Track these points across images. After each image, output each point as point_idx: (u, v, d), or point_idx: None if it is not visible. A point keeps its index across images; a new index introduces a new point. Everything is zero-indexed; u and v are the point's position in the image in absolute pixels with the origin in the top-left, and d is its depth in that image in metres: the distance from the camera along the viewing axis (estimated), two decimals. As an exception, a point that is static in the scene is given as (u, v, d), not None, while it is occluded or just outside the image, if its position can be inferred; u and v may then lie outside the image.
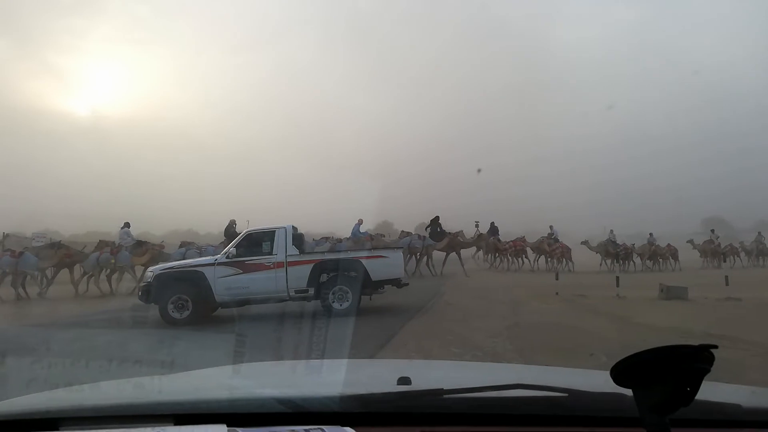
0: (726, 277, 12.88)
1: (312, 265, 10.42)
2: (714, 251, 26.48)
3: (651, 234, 26.04)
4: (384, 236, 21.11)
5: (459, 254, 20.61)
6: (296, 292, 10.42)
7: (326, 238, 21.03)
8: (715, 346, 0.93)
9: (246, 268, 10.47)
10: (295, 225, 11.10)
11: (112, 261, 16.23)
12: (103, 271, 16.49)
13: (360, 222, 20.32)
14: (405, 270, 18.11)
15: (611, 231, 25.12)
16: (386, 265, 10.46)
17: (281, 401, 1.33)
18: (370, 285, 10.39)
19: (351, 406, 1.29)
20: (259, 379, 1.96)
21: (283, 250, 10.48)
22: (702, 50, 79.57)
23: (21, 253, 15.84)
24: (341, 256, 11.09)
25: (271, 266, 10.42)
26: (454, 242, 20.37)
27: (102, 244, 17.02)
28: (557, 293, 12.89)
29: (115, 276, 16.61)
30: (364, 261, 10.42)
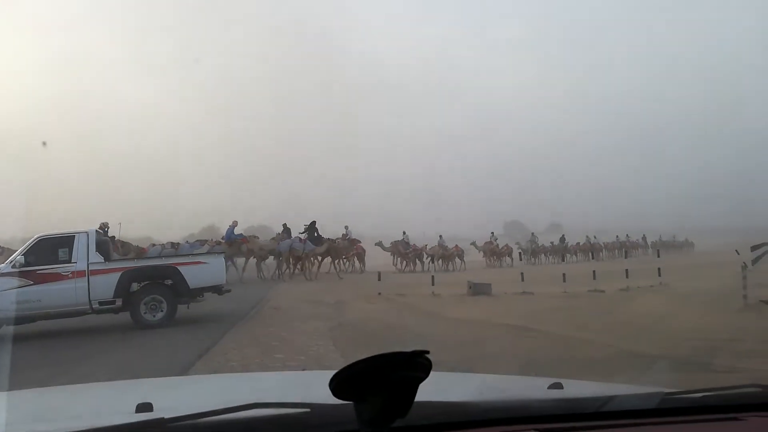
0: (521, 273, 14.52)
1: (119, 273, 9.44)
2: (493, 251, 30.19)
3: (441, 236, 27.64)
4: (258, 238, 20.46)
5: (334, 259, 20.86)
6: (101, 303, 9.37)
7: (203, 241, 20.10)
8: (427, 351, 0.91)
9: (38, 279, 9.11)
10: (99, 228, 10.02)
11: None
12: None
13: (234, 224, 19.69)
14: (260, 275, 18.78)
15: (404, 232, 26.23)
16: (206, 271, 9.88)
17: None
18: (187, 293, 9.74)
19: None
20: None
21: (84, 257, 9.34)
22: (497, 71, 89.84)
23: None
24: (154, 262, 10.21)
25: (69, 276, 9.23)
26: (332, 247, 20.48)
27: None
28: (380, 293, 13.43)
29: None
30: (180, 268, 9.72)
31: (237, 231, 19.56)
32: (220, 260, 10.22)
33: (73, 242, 9.38)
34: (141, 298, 9.52)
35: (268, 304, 12.22)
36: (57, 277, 9.21)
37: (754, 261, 17.92)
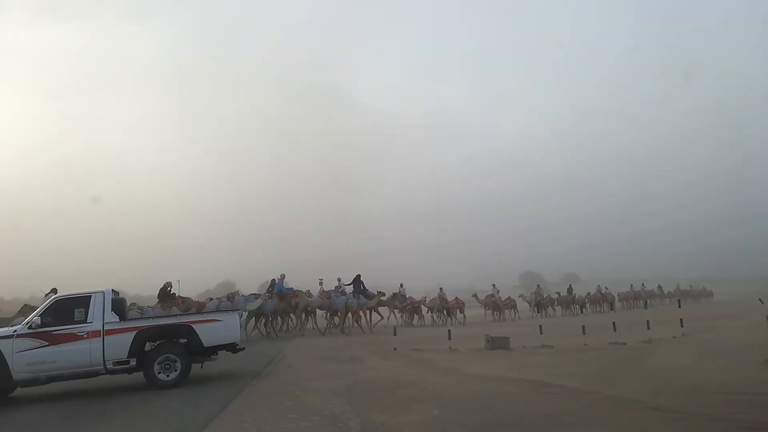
0: (540, 326, 14.21)
1: (134, 332, 9.40)
2: (496, 304, 29.39)
3: (441, 288, 27.02)
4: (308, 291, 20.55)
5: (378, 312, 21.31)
6: (115, 363, 9.29)
7: (257, 295, 19.83)
8: None
9: (54, 340, 9.10)
10: (115, 289, 10.05)
11: None
12: None
13: (282, 277, 19.72)
14: (272, 330, 18.96)
15: (401, 285, 25.22)
16: (220, 329, 9.78)
17: None
18: (201, 352, 9.65)
19: None
20: None
21: (99, 317, 9.34)
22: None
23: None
24: (168, 321, 10.15)
25: (85, 336, 9.21)
26: (381, 301, 21.04)
27: (26, 309, 16.37)
28: (395, 348, 13.18)
29: None
30: (195, 326, 9.65)
31: (287, 285, 19.79)
32: (234, 318, 10.14)
33: (89, 302, 9.42)
34: (155, 357, 9.43)
35: (283, 361, 12.04)
36: (73, 338, 9.19)
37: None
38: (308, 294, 20.28)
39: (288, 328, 20.50)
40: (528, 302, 31.84)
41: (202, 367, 9.95)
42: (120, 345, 9.29)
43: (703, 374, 9.21)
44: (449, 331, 13.98)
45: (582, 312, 29.92)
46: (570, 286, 33.96)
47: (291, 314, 20.42)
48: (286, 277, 20.01)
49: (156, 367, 9.38)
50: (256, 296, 19.56)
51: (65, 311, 9.41)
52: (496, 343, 13.31)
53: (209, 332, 9.66)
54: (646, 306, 29.47)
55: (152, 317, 11.14)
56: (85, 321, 9.33)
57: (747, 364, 9.53)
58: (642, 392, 7.84)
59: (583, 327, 14.01)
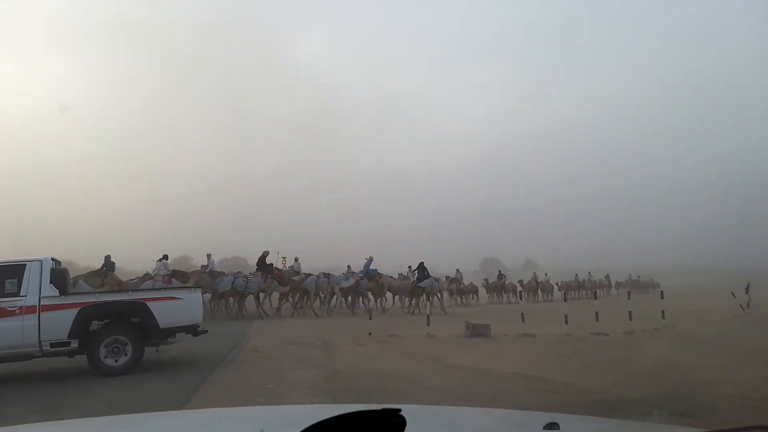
0: (522, 314, 13.53)
1: (77, 309, 8.02)
2: (458, 289, 29.16)
3: (410, 267, 25.72)
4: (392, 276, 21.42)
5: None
6: (53, 345, 7.92)
7: (351, 272, 20.20)
8: (399, 409, 0.97)
9: (-24, 315, 7.65)
10: (55, 257, 8.60)
11: None
12: None
13: (370, 259, 20.46)
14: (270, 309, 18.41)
15: (348, 266, 23.60)
16: (180, 308, 8.50)
17: None
18: (157, 334, 8.36)
19: None
20: None
21: (35, 290, 7.91)
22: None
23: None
24: (119, 297, 8.79)
25: (16, 311, 7.77)
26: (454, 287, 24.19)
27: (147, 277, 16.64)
28: (370, 334, 12.20)
29: None
30: (150, 304, 8.33)
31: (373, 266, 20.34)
32: (196, 296, 8.85)
33: (23, 272, 7.96)
34: (101, 339, 8.10)
35: (248, 344, 10.84)
36: (2, 313, 7.76)
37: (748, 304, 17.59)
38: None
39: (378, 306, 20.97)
40: (488, 288, 31.42)
41: (157, 351, 8.66)
42: (59, 323, 7.91)
43: (707, 371, 8.65)
44: (428, 316, 13.06)
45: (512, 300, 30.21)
46: (500, 271, 33.14)
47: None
48: (373, 259, 20.69)
49: (102, 351, 8.07)
50: (352, 273, 20.03)
51: (-6, 281, 7.95)
52: (477, 331, 12.52)
53: (167, 312, 8.37)
54: (595, 296, 29.47)
55: (99, 292, 9.68)
56: (17, 294, 7.89)
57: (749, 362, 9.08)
58: (655, 393, 7.18)
59: (566, 316, 13.39)
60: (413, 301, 20.63)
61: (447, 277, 25.81)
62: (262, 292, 18.06)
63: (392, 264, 24.59)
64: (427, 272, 21.49)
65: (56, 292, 8.04)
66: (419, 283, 20.79)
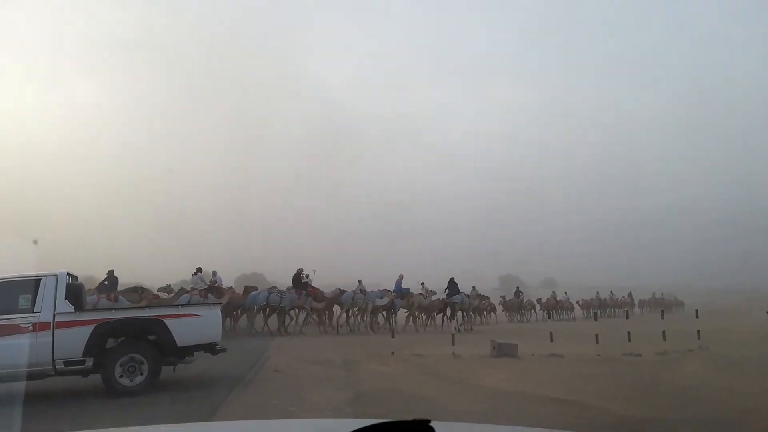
0: (551, 333, 13.02)
1: (93, 326, 7.74)
2: (516, 306, 28.64)
3: (422, 284, 24.68)
4: (425, 294, 21.01)
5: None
6: (67, 364, 7.63)
7: (386, 290, 19.80)
8: (429, 420, 0.99)
9: (-9, 331, 7.40)
10: (71, 272, 8.35)
11: None
12: None
13: (401, 277, 20.40)
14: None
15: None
16: (198, 326, 8.18)
17: None
18: (174, 352, 8.04)
19: None
20: None
21: (50, 306, 7.64)
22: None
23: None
24: (135, 314, 8.50)
25: (30, 328, 7.50)
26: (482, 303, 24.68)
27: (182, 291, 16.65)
28: (393, 353, 11.76)
29: None
30: (167, 321, 8.03)
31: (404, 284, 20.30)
32: (215, 313, 8.52)
33: (38, 287, 7.71)
34: (117, 357, 7.80)
35: (268, 363, 10.46)
36: (14, 330, 7.49)
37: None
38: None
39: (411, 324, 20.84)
40: (506, 307, 30.64)
41: (174, 370, 8.33)
42: (74, 341, 7.63)
43: (746, 397, 8.09)
44: (453, 335, 12.58)
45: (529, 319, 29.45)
46: (518, 288, 32.17)
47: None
48: (403, 277, 20.69)
49: (118, 369, 7.75)
50: (387, 291, 19.79)
51: (7, 298, 7.71)
52: (503, 350, 12.02)
53: (185, 329, 8.06)
54: (627, 315, 28.58)
55: (115, 308, 9.41)
56: (31, 310, 7.63)
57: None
58: (692, 418, 6.72)
59: (597, 335, 12.83)
60: (445, 318, 20.47)
61: (517, 293, 26.97)
62: (297, 308, 17.85)
63: (408, 282, 24.05)
64: (458, 288, 21.50)
65: (71, 309, 7.77)
66: (450, 299, 20.73)
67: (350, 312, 18.73)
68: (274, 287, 18.39)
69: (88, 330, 7.68)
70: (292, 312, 17.82)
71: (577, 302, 33.91)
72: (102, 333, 7.79)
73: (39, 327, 7.51)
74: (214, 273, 18.17)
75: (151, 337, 8.10)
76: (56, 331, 7.55)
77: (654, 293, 43.49)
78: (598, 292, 36.11)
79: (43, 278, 7.78)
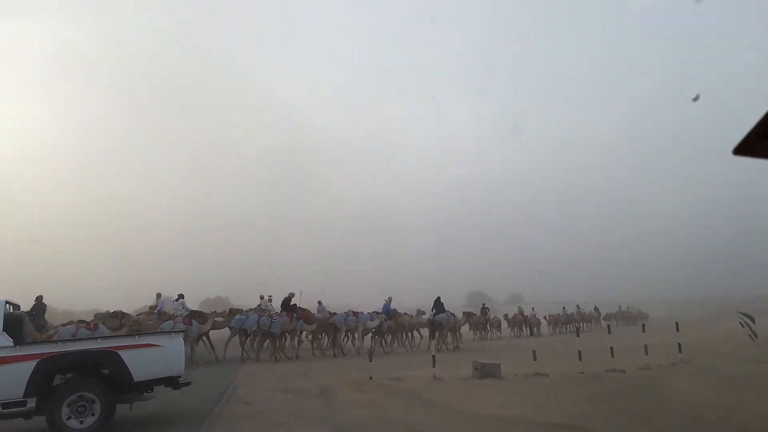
0: (533, 351, 12.53)
1: (35, 362, 6.79)
2: (482, 323, 28.11)
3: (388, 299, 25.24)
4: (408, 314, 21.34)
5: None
6: (5, 406, 6.65)
7: (377, 313, 19.73)
8: None
9: None
10: (11, 300, 7.38)
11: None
12: None
13: (389, 300, 20.50)
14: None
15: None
16: (158, 357, 7.30)
17: None
18: (130, 388, 7.14)
19: None
20: None
21: (-16, 339, 6.69)
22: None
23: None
24: (85, 346, 7.54)
25: (-40, 367, 6.51)
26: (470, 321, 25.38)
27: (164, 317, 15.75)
28: (371, 377, 11.03)
29: None
30: (122, 353, 7.14)
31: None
32: (178, 342, 7.63)
33: (-28, 318, 6.74)
34: (64, 396, 6.86)
35: (237, 394, 9.55)
36: (-58, 368, 6.49)
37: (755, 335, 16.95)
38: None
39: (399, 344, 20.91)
40: (471, 324, 30.17)
41: (131, 408, 7.41)
42: (12, 379, 6.67)
43: (741, 411, 7.73)
44: (433, 356, 11.93)
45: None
46: (484, 305, 31.62)
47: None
48: (392, 300, 20.76)
49: (65, 410, 6.82)
50: (377, 314, 19.73)
51: (-65, 330, 6.70)
52: (486, 371, 11.45)
53: (143, 361, 7.19)
54: (609, 330, 28.40)
55: (61, 341, 8.38)
56: (-37, 345, 6.64)
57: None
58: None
59: (579, 352, 12.41)
60: (432, 337, 20.09)
61: (464, 313, 25.61)
62: (288, 332, 17.26)
63: (378, 302, 23.40)
64: (443, 307, 21.29)
65: (10, 342, 6.81)
66: (435, 317, 20.55)
67: (344, 334, 18.57)
68: (266, 310, 17.58)
69: (29, 366, 6.74)
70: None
71: (545, 317, 33.74)
72: (46, 369, 6.85)
73: (-29, 364, 6.53)
74: (158, 295, 17.30)
75: (104, 372, 7.18)
76: (-8, 368, 6.58)
77: (619, 306, 44.01)
78: (564, 307, 36.09)
79: (-22, 307, 6.81)
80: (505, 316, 31.56)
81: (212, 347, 15.94)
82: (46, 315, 16.46)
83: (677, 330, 13.67)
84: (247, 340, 16.30)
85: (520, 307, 33.45)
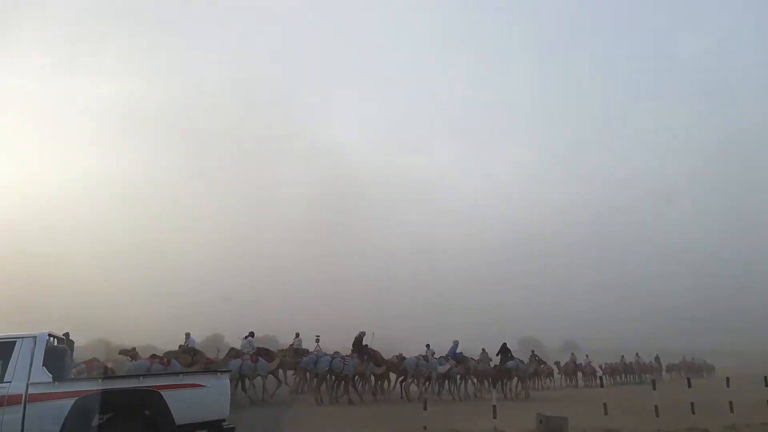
0: (604, 404, 11.35)
1: (74, 399, 6.35)
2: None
3: (428, 345, 23.64)
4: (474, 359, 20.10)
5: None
6: (41, 447, 6.19)
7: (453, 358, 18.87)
8: None
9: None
10: (55, 333, 7.05)
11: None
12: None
13: (456, 343, 19.62)
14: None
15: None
16: (202, 399, 6.77)
17: None
18: (172, 431, 6.58)
19: None
20: None
21: (23, 375, 6.31)
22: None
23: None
24: (127, 384, 7.09)
25: (-4, 403, 6.13)
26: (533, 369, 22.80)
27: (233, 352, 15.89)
28: (425, 427, 10.14)
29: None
30: (164, 393, 6.63)
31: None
32: (224, 383, 7.08)
33: (11, 352, 6.41)
34: (103, 438, 6.36)
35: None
36: (-23, 405, 6.12)
37: None
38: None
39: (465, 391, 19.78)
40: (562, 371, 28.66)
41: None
42: (49, 417, 6.23)
43: None
44: (494, 406, 10.94)
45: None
46: (533, 352, 29.75)
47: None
48: (458, 343, 19.82)
49: (102, 454, 6.29)
50: (446, 359, 18.90)
51: (-27, 363, 6.38)
52: (552, 425, 10.36)
53: (186, 403, 6.67)
54: (689, 384, 26.31)
55: (102, 378, 7.95)
56: (1, 380, 6.28)
57: None
58: None
59: (656, 407, 11.16)
60: (499, 385, 19.07)
61: (532, 358, 23.95)
62: (359, 374, 16.57)
63: (420, 344, 22.27)
64: (511, 354, 20.55)
65: (49, 378, 6.41)
66: (505, 365, 19.69)
67: (415, 379, 17.50)
68: (337, 352, 16.96)
69: (67, 404, 6.29)
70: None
71: (600, 366, 31.61)
72: (85, 407, 6.38)
73: (8, 401, 6.15)
74: (188, 335, 16.99)
75: (145, 413, 6.68)
76: (28, 406, 6.18)
77: (684, 356, 41.00)
78: (623, 356, 33.83)
79: (18, 340, 6.49)
80: (557, 363, 29.76)
81: (284, 383, 15.87)
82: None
83: (766, 386, 12.15)
84: (315, 382, 15.66)
85: (573, 354, 31.55)
